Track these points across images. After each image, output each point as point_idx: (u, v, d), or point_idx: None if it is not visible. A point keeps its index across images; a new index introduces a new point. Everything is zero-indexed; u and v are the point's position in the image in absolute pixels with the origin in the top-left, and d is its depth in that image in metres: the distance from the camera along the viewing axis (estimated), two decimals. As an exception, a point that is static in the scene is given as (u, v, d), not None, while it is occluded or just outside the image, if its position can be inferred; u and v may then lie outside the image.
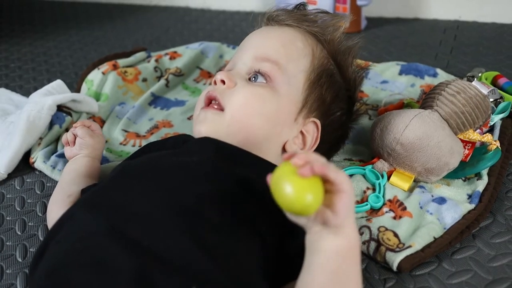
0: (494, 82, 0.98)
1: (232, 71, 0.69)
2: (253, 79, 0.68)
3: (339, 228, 0.47)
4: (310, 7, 0.79)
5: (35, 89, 0.96)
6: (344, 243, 0.48)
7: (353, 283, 0.49)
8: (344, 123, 0.76)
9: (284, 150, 0.68)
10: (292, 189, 0.44)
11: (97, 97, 0.98)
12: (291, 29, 0.72)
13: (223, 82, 0.66)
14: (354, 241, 0.49)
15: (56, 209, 0.67)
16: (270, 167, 0.62)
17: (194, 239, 0.49)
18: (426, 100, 0.77)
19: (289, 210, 0.46)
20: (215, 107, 0.66)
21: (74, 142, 0.76)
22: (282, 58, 0.68)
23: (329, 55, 0.73)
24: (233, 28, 1.38)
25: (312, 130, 0.69)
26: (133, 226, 0.50)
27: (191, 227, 0.50)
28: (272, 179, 0.46)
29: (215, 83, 0.67)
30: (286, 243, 0.54)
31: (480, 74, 0.97)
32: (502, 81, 0.97)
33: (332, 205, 0.46)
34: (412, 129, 0.71)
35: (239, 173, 0.58)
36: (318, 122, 0.69)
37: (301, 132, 0.69)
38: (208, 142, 0.63)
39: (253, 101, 0.66)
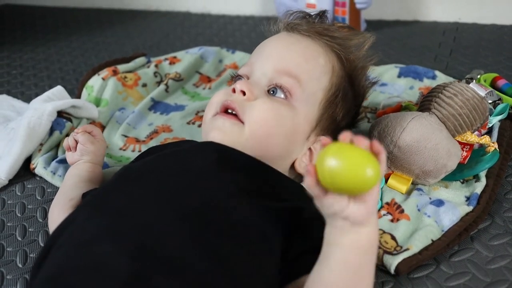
0: (493, 84, 0.98)
1: (251, 80, 0.68)
2: (272, 92, 0.66)
3: (363, 224, 0.47)
4: (310, 10, 0.78)
5: (36, 95, 0.97)
6: (366, 239, 0.47)
7: (368, 278, 0.49)
8: None
9: (293, 167, 0.68)
10: (352, 161, 0.42)
11: (97, 102, 0.98)
12: (314, 43, 0.71)
13: (243, 93, 0.65)
14: (375, 237, 0.49)
15: (57, 213, 0.68)
16: (275, 172, 0.63)
17: (197, 243, 0.49)
18: (423, 103, 0.78)
19: (346, 185, 0.43)
20: (234, 117, 0.64)
21: (76, 148, 0.76)
22: (303, 74, 0.67)
23: (345, 72, 0.72)
24: (233, 33, 1.38)
25: (320, 147, 0.69)
26: (134, 230, 0.50)
27: (194, 232, 0.50)
28: (320, 157, 0.44)
29: (233, 91, 0.66)
30: (291, 245, 0.54)
31: (478, 76, 0.97)
32: (501, 82, 0.97)
33: (361, 199, 0.45)
34: (409, 132, 0.71)
35: (243, 178, 0.58)
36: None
37: (309, 149, 0.69)
38: (212, 146, 0.63)
39: (273, 119, 0.65)
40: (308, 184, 0.46)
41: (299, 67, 0.67)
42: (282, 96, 0.66)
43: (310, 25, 0.73)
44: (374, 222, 0.48)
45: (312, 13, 0.76)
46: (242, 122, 0.64)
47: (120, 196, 0.56)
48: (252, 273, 0.50)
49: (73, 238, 0.53)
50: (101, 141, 0.78)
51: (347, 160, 0.43)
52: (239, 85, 0.65)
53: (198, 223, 0.51)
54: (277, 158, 0.65)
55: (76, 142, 0.76)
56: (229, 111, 0.65)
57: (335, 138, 0.69)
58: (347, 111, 0.73)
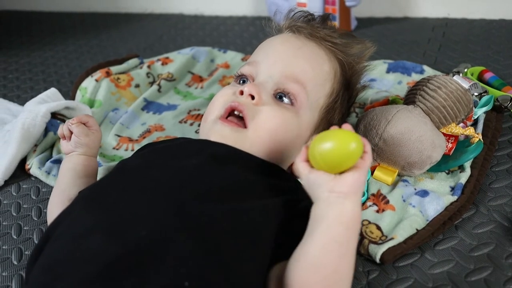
0: (480, 77, 0.99)
1: (256, 82, 0.68)
2: (279, 97, 0.67)
3: (345, 197, 0.50)
4: (300, 8, 0.79)
5: (32, 98, 0.99)
6: (350, 213, 0.50)
7: (349, 256, 0.51)
8: None
9: (290, 169, 0.69)
10: (337, 138, 0.51)
11: (91, 104, 1.00)
12: (319, 48, 0.72)
13: (252, 97, 0.65)
14: (358, 214, 0.51)
15: (56, 212, 0.68)
16: (272, 167, 0.63)
17: (190, 237, 0.50)
18: (408, 96, 0.79)
19: (335, 158, 0.50)
20: (235, 122, 0.65)
21: (70, 137, 0.74)
22: (309, 81, 0.68)
23: (345, 78, 0.74)
24: (226, 33, 1.40)
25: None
26: (127, 223, 0.51)
27: (187, 226, 0.51)
28: (313, 141, 0.52)
29: (241, 93, 0.66)
30: (282, 235, 0.55)
31: (465, 70, 0.99)
32: (488, 75, 0.99)
33: (345, 175, 0.50)
34: (394, 125, 0.73)
35: (239, 174, 0.58)
36: None
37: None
38: (208, 144, 0.64)
39: (280, 127, 0.65)
40: (297, 161, 0.52)
41: (305, 73, 0.68)
42: (289, 102, 0.67)
43: (314, 29, 0.73)
44: (357, 200, 0.51)
45: (315, 15, 0.77)
46: (245, 127, 0.64)
47: (115, 190, 0.57)
48: (247, 267, 0.51)
49: (69, 231, 0.54)
50: (96, 132, 0.76)
51: (334, 138, 0.51)
52: (247, 88, 0.65)
53: (191, 217, 0.52)
54: (277, 162, 0.66)
55: (71, 132, 0.75)
56: (236, 113, 0.65)
57: None
58: (342, 114, 0.75)
